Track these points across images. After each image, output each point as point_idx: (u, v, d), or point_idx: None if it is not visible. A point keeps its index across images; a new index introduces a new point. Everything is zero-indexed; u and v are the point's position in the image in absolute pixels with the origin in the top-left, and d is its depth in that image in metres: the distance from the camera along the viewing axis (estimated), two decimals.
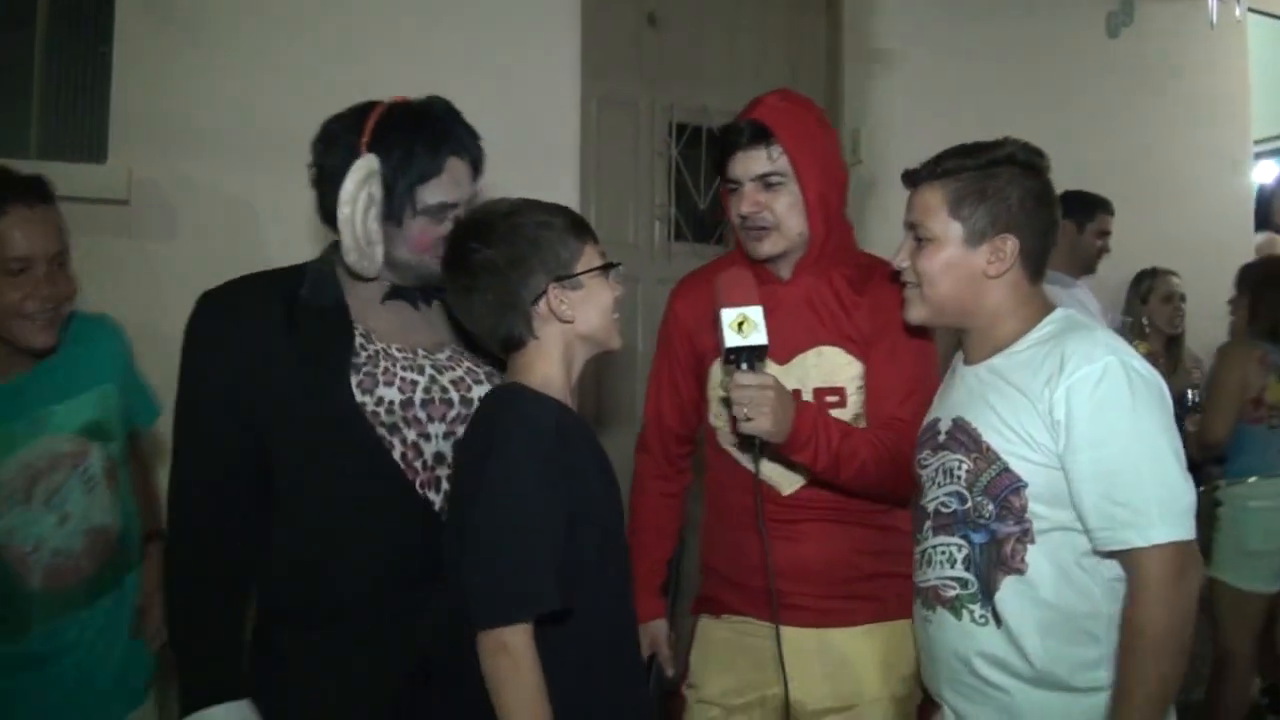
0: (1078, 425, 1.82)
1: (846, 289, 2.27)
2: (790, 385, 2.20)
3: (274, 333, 1.97)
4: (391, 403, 1.98)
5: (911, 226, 2.02)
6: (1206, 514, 3.94)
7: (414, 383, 2.01)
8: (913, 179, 2.04)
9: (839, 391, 2.24)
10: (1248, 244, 5.63)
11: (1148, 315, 4.74)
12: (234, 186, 3.32)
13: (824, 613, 2.24)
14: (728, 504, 2.31)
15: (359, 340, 2.00)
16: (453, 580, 1.78)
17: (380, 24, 3.56)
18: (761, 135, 2.20)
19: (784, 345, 2.23)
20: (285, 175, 3.30)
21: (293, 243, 3.15)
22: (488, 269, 1.84)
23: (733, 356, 2.00)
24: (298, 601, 1.97)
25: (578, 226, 1.91)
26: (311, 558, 1.95)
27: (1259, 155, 6.47)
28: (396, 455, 1.97)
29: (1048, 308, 2.01)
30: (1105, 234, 4.47)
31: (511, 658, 1.68)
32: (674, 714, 2.41)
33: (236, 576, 1.98)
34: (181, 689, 1.93)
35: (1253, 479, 3.78)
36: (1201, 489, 3.98)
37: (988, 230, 1.95)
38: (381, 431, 1.96)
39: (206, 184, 3.31)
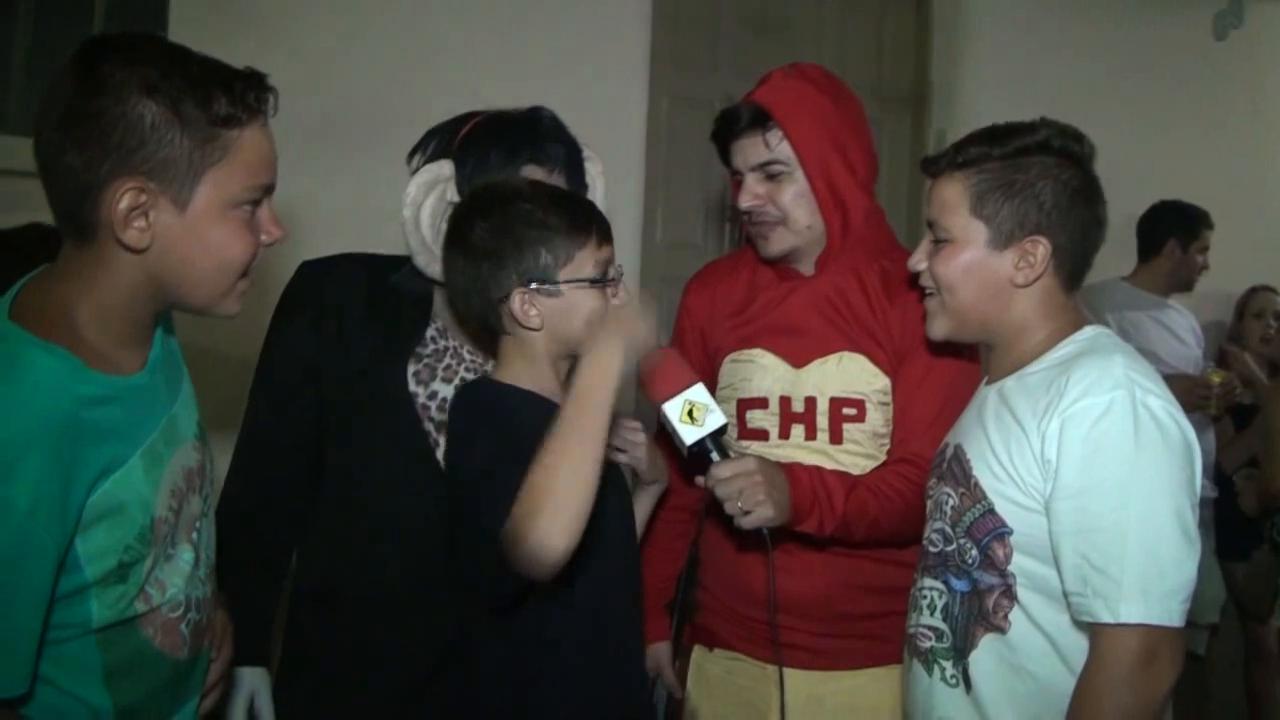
0: (1066, 467, 1.57)
1: (879, 289, 2.05)
2: (806, 393, 2.05)
3: (356, 311, 1.98)
4: (445, 399, 1.95)
5: (929, 224, 1.76)
6: (1269, 564, 3.76)
7: None
8: (932, 168, 1.78)
9: (858, 404, 2.03)
10: None
11: (1243, 332, 4.53)
12: (288, 174, 3.26)
13: (817, 652, 2.03)
14: (729, 527, 2.02)
15: (431, 333, 2.00)
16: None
17: (439, 14, 3.52)
18: (759, 120, 2.00)
19: (801, 348, 2.06)
20: (338, 165, 3.31)
21: (342, 235, 3.08)
22: (466, 253, 1.73)
23: (698, 451, 1.77)
24: (330, 583, 1.99)
25: (579, 229, 1.74)
26: (346, 540, 1.98)
27: None
28: (439, 454, 1.93)
29: (1078, 322, 1.74)
30: (1206, 249, 4.26)
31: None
32: None
33: (279, 542, 2.04)
34: None
35: None
36: (1265, 545, 3.80)
37: (1015, 231, 1.69)
38: (429, 426, 1.96)
39: None
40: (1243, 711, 4.30)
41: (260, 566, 2.01)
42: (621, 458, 1.86)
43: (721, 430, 1.77)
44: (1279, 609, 3.56)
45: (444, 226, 1.87)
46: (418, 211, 1.91)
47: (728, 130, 2.06)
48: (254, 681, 1.97)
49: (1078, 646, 1.60)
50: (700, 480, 1.84)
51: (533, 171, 1.92)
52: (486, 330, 1.81)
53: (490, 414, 1.70)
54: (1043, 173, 1.69)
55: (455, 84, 3.36)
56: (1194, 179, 4.49)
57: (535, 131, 1.96)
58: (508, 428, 1.64)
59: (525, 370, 1.74)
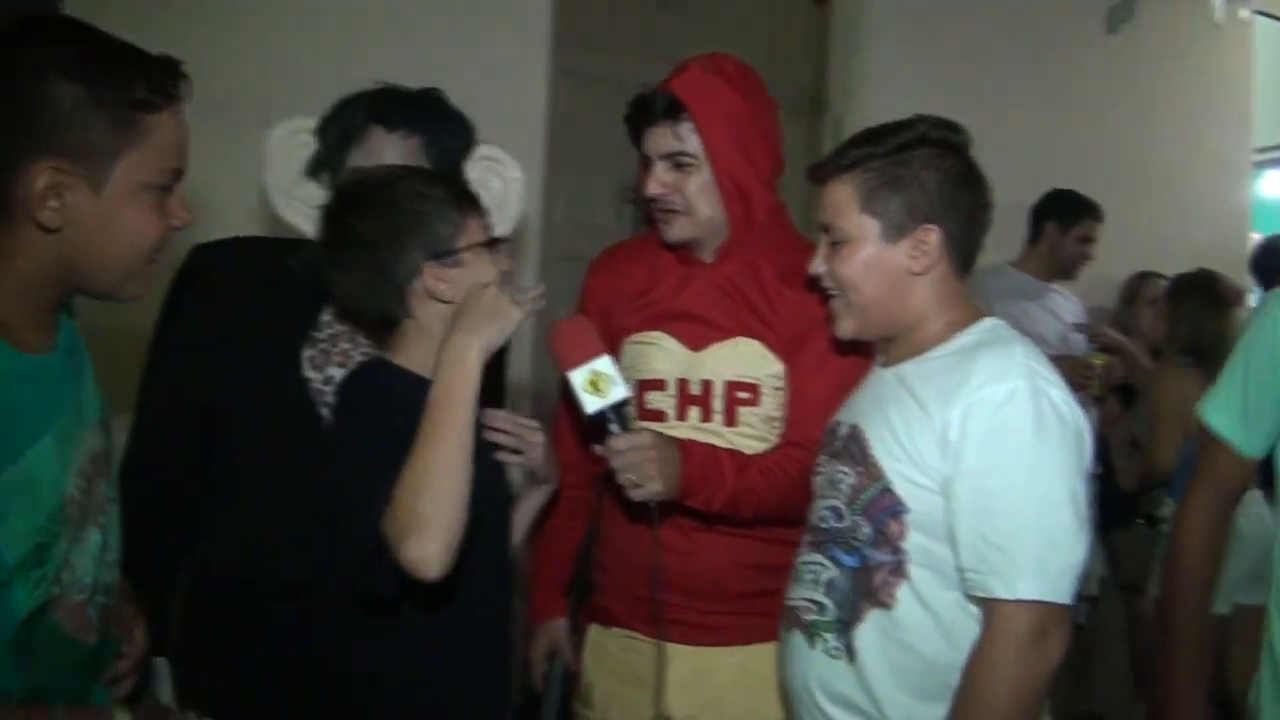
0: (968, 451, 1.62)
1: (775, 280, 2.10)
2: (702, 376, 2.10)
3: (249, 294, 1.97)
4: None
5: (824, 229, 1.83)
6: (1146, 537, 3.89)
7: None
8: (819, 174, 1.84)
9: (752, 388, 2.09)
10: (1243, 253, 5.50)
11: (1133, 318, 4.63)
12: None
13: (707, 629, 2.09)
14: (624, 505, 2.12)
15: (326, 317, 1.99)
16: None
17: None
18: (672, 111, 2.04)
19: (700, 332, 2.12)
20: (237, 141, 3.25)
21: (243, 211, 3.04)
22: (359, 244, 1.72)
23: (599, 421, 1.85)
24: (226, 569, 1.97)
25: (460, 198, 1.77)
26: (240, 526, 1.97)
27: (1268, 164, 6.31)
28: None
29: (975, 314, 1.81)
30: (1089, 240, 4.34)
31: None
32: None
33: (174, 528, 2.01)
34: None
35: None
36: (1141, 520, 3.93)
37: (906, 223, 1.75)
38: (323, 411, 1.94)
39: None
40: (1123, 679, 4.48)
41: (156, 553, 1.97)
42: (516, 459, 1.88)
43: (624, 403, 1.84)
44: (1155, 580, 3.67)
45: (298, 173, 2.00)
46: (274, 152, 2.00)
47: (641, 116, 2.10)
48: (156, 670, 1.94)
49: (961, 624, 1.66)
50: (598, 449, 1.89)
51: (376, 132, 1.95)
52: (386, 323, 1.81)
53: (382, 402, 1.69)
54: (925, 163, 1.76)
55: (348, 61, 3.31)
56: (1086, 169, 4.58)
57: (391, 97, 1.99)
58: (396, 419, 1.64)
59: (422, 353, 1.75)
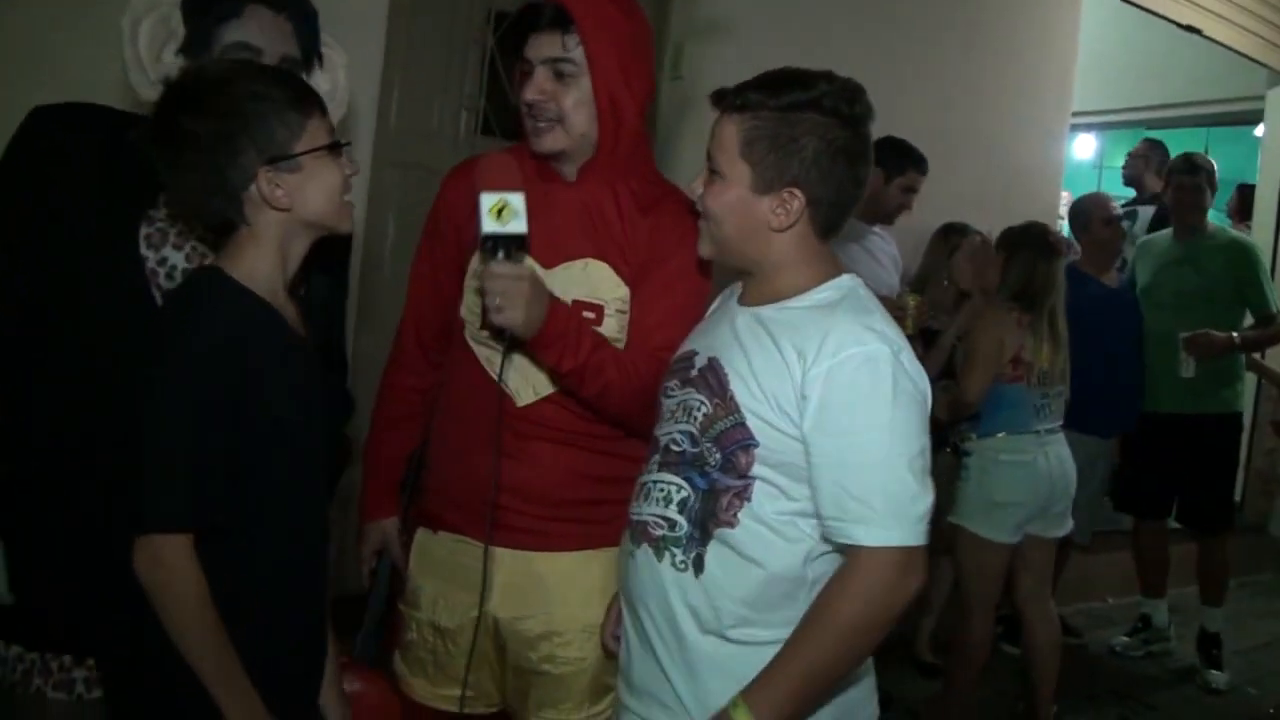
0: (831, 409, 1.73)
1: (631, 205, 2.16)
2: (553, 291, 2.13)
3: (88, 165, 1.87)
4: (174, 267, 1.89)
5: (708, 156, 1.88)
6: (950, 466, 4.06)
7: (204, 255, 1.90)
8: (719, 104, 1.87)
9: (598, 310, 2.14)
10: (1053, 210, 5.73)
11: (950, 270, 4.76)
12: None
13: (538, 534, 2.16)
14: (463, 412, 2.19)
15: (166, 196, 1.89)
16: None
17: None
18: (561, 20, 2.06)
19: (553, 250, 2.14)
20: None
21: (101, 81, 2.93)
22: (192, 145, 1.64)
23: (489, 244, 1.89)
24: (51, 458, 1.89)
25: (301, 99, 1.71)
26: (69, 413, 1.88)
27: (1078, 128, 6.58)
28: None
29: (835, 269, 1.89)
30: (912, 190, 4.46)
31: (166, 569, 1.60)
32: (396, 629, 2.31)
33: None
34: None
35: (1001, 434, 3.86)
36: (948, 449, 4.12)
37: (775, 181, 1.80)
38: (156, 294, 1.88)
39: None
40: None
41: None
42: None
43: (518, 239, 1.90)
44: (956, 509, 3.91)
45: (170, 57, 1.89)
46: (135, 28, 1.88)
47: (529, 22, 2.10)
48: None
49: (799, 533, 1.79)
50: (478, 269, 1.97)
51: (257, 10, 1.89)
52: (223, 229, 1.76)
53: (203, 330, 1.65)
54: (810, 130, 1.78)
55: None
56: (910, 115, 4.58)
57: None
58: (218, 354, 1.63)
59: (258, 262, 1.73)
